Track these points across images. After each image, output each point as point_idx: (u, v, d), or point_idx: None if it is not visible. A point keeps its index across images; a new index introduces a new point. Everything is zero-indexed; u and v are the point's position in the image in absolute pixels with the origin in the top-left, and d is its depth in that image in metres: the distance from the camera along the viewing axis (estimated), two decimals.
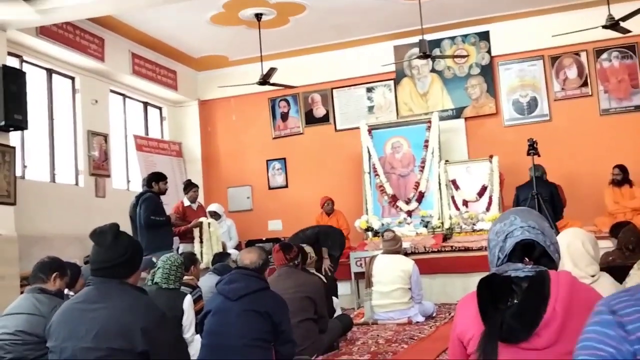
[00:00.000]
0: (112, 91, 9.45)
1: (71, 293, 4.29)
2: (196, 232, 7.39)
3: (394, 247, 6.29)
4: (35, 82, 7.85)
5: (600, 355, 1.02)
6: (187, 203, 7.69)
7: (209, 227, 7.45)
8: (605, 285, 2.73)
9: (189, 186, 7.85)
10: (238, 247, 8.54)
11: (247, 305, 3.45)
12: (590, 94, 9.16)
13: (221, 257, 6.17)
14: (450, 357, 1.92)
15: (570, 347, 1.60)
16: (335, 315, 5.48)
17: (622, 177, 8.02)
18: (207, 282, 5.10)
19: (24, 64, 7.77)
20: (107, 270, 2.47)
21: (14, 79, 6.60)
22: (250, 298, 3.47)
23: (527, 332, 1.60)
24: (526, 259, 1.78)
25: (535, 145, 7.28)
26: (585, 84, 9.20)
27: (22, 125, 6.69)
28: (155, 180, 6.96)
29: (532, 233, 1.78)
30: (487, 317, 1.67)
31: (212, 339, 3.57)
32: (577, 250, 2.83)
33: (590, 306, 1.65)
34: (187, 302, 3.93)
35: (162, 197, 7.05)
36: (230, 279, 3.68)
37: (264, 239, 9.42)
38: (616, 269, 3.70)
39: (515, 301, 1.66)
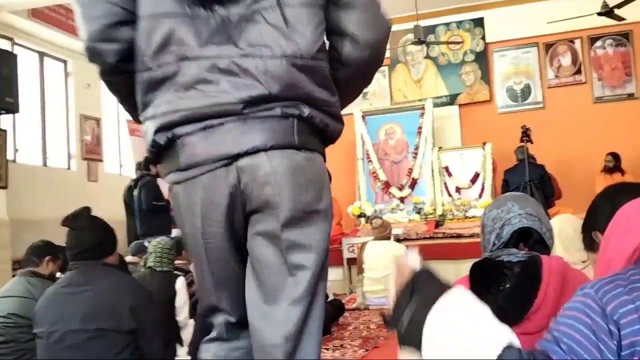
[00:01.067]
0: None
1: None
2: None
3: (383, 233, 6.31)
4: (26, 65, 7.79)
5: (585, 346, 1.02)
6: None
7: None
8: None
9: None
10: None
11: None
12: (583, 81, 9.18)
13: None
14: None
15: None
16: (327, 300, 5.50)
17: (613, 165, 8.06)
18: None
19: (15, 46, 7.70)
20: (88, 253, 2.48)
21: (5, 62, 6.54)
22: None
23: (519, 316, 1.61)
24: (521, 244, 1.79)
25: (528, 132, 7.28)
26: (579, 72, 9.21)
27: (13, 109, 6.64)
28: (155, 162, 6.89)
29: (529, 220, 1.78)
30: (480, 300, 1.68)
31: (204, 323, 3.56)
32: (568, 236, 2.85)
33: None
34: (180, 283, 3.93)
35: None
36: None
37: None
38: None
39: (507, 285, 1.67)
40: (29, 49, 8.01)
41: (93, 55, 1.49)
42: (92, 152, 8.75)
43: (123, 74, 1.49)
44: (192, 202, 1.44)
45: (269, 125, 1.39)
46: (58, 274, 3.75)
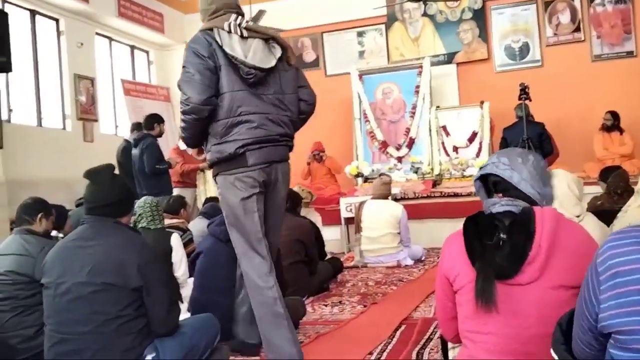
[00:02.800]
0: (97, 34, 9.26)
1: (60, 235, 4.29)
2: (200, 176, 7.42)
3: (387, 191, 6.33)
4: (18, 24, 7.67)
5: None
6: (182, 147, 7.61)
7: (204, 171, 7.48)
8: (590, 225, 2.76)
9: None
10: None
11: None
12: (582, 39, 9.08)
13: (212, 200, 6.16)
14: (437, 295, 1.95)
15: (553, 282, 1.63)
16: (325, 258, 5.52)
17: (612, 123, 8.01)
18: (197, 226, 5.11)
19: (6, 4, 7.57)
20: (103, 209, 2.50)
21: None
22: None
23: (515, 269, 1.62)
24: (499, 194, 1.81)
25: (526, 90, 7.21)
26: (577, 29, 9.10)
27: (6, 68, 6.54)
28: (157, 121, 6.83)
29: (499, 168, 1.79)
30: (473, 252, 1.69)
31: (203, 280, 3.60)
32: (562, 191, 2.86)
33: (576, 242, 1.67)
34: (175, 238, 3.95)
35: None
36: (222, 220, 3.69)
37: None
38: (605, 212, 3.74)
39: (502, 235, 1.67)
40: (19, 7, 7.87)
41: (196, 111, 2.80)
42: (87, 113, 8.68)
43: (204, 121, 2.86)
44: (251, 181, 2.90)
45: (282, 149, 3.02)
46: (54, 232, 3.76)
